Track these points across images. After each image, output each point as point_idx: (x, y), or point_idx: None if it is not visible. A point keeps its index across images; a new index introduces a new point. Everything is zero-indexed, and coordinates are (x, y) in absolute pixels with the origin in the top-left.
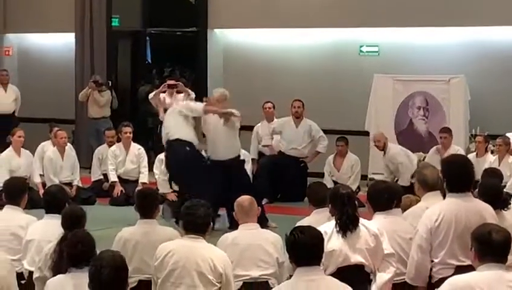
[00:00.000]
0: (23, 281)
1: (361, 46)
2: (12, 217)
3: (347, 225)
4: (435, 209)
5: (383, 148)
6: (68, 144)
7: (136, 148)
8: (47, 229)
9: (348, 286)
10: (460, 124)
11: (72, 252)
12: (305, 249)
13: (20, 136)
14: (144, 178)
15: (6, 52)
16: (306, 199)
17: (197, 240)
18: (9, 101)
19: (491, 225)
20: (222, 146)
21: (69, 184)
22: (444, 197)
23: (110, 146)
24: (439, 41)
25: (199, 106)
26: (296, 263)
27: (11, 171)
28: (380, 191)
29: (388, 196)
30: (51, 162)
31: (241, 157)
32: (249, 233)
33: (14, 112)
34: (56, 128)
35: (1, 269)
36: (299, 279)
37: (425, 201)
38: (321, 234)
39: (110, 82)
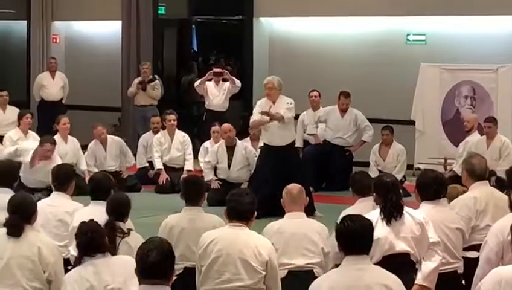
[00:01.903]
0: (69, 267)
1: (408, 35)
2: (60, 203)
3: (391, 212)
4: (507, 219)
5: (469, 130)
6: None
7: (181, 136)
8: (93, 215)
9: (395, 276)
10: (508, 113)
11: (83, 240)
12: (354, 238)
13: (65, 124)
14: (189, 165)
15: (54, 40)
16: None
17: (241, 228)
18: (57, 88)
19: None
20: (276, 133)
21: (115, 173)
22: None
23: (155, 132)
24: (487, 30)
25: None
26: (344, 251)
27: None
28: (429, 181)
29: (437, 186)
30: (93, 156)
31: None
32: (294, 222)
33: (61, 99)
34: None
35: (49, 256)
36: (347, 267)
37: (473, 191)
38: (371, 223)
39: (156, 76)
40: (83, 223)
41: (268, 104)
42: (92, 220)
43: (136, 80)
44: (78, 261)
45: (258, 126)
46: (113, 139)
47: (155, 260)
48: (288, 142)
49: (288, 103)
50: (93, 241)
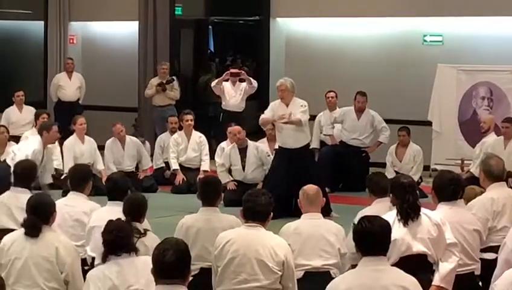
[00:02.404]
0: (86, 267)
1: (424, 36)
2: (77, 203)
3: (408, 213)
4: None
5: (486, 131)
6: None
7: (198, 136)
8: (110, 216)
9: (412, 277)
10: None
11: (109, 238)
12: (372, 239)
13: (81, 124)
14: (205, 166)
15: (71, 41)
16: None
17: (257, 228)
18: (74, 88)
19: None
20: (290, 135)
21: (132, 173)
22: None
23: (172, 132)
24: (504, 31)
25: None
26: (362, 252)
27: (74, 158)
28: (446, 182)
29: (454, 187)
30: (111, 152)
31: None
32: (311, 223)
33: (78, 100)
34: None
35: (67, 256)
36: (365, 268)
37: (491, 192)
38: (389, 224)
39: (174, 77)
40: (110, 221)
41: (282, 107)
42: (119, 219)
43: (154, 81)
44: (104, 259)
45: (266, 124)
46: (131, 140)
47: (171, 260)
48: (302, 145)
49: (302, 106)
50: (119, 240)
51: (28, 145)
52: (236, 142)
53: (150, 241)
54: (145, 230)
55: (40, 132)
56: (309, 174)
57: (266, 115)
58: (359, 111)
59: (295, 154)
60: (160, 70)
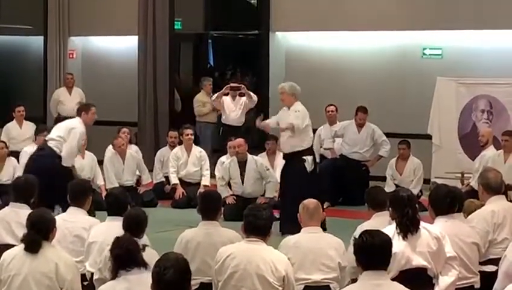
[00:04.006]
0: (85, 283)
1: (424, 49)
2: (76, 219)
3: (408, 226)
4: None
5: (485, 144)
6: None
7: (198, 151)
8: (109, 231)
9: None
10: None
11: (118, 252)
12: (373, 253)
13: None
14: (206, 181)
15: (71, 55)
16: None
17: (258, 243)
18: (74, 103)
19: None
20: (285, 141)
21: (130, 188)
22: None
23: (172, 147)
24: (503, 44)
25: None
26: (362, 266)
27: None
28: (442, 195)
29: (450, 200)
30: (112, 165)
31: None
32: (311, 236)
33: None
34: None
35: (66, 273)
36: (365, 282)
37: (490, 205)
38: (390, 239)
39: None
40: (117, 237)
41: (284, 111)
42: (126, 234)
43: (200, 98)
44: (114, 275)
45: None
46: (131, 155)
47: (172, 279)
48: (294, 150)
49: (295, 111)
50: (130, 253)
51: (70, 132)
52: (236, 155)
53: (149, 257)
54: (144, 246)
55: (78, 113)
56: (291, 182)
57: (271, 120)
58: (360, 126)
59: (287, 160)
60: (206, 86)
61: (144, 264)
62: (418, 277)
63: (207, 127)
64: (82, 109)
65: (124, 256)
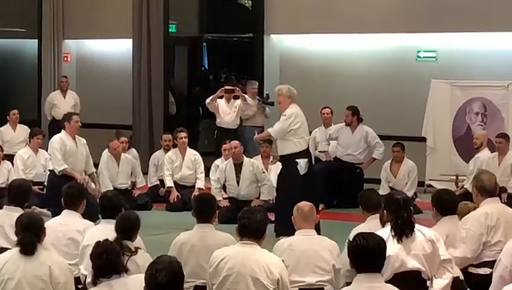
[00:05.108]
0: (80, 286)
1: (418, 52)
2: (70, 222)
3: (403, 229)
4: None
5: (479, 147)
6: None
7: (192, 154)
8: (103, 234)
9: None
10: None
11: (98, 263)
12: (367, 256)
13: None
14: (200, 184)
15: (65, 59)
16: None
17: (252, 246)
18: (69, 106)
19: None
20: (278, 143)
21: (125, 191)
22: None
23: (166, 150)
24: (498, 47)
25: None
26: (356, 268)
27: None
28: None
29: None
30: (107, 168)
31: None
32: (305, 239)
33: None
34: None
35: (60, 276)
36: (359, 285)
37: (484, 207)
38: (384, 241)
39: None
40: (97, 243)
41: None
42: (106, 240)
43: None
44: (94, 282)
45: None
46: (126, 158)
47: (164, 282)
48: (286, 153)
49: (283, 115)
50: (109, 263)
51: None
52: (232, 156)
53: (142, 260)
54: (136, 248)
55: (62, 125)
56: (286, 185)
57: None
58: (348, 125)
59: (282, 163)
60: (251, 90)
61: (125, 270)
62: (412, 279)
63: (250, 131)
64: (65, 119)
65: (104, 266)
